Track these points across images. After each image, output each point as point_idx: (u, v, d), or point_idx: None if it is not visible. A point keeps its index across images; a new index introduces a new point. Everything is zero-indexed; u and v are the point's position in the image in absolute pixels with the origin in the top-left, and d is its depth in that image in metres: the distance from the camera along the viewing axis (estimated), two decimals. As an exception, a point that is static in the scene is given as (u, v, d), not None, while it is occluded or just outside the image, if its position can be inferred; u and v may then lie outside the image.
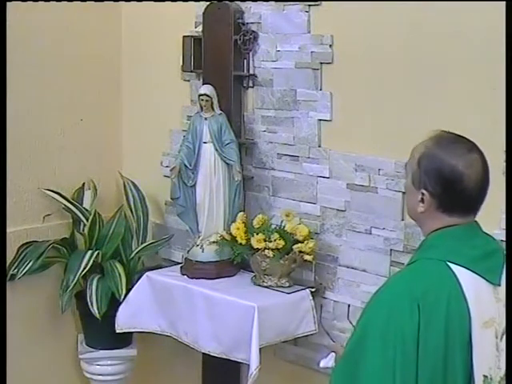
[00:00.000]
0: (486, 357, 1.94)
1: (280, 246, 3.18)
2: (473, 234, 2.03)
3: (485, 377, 1.93)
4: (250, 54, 3.43)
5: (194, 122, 3.39)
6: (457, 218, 2.00)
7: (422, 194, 1.99)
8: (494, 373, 1.96)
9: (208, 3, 3.46)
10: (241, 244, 3.27)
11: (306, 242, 3.19)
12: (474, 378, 1.91)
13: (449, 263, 1.94)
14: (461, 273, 1.93)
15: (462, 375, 1.91)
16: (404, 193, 2.86)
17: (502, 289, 1.99)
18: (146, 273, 3.48)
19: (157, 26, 3.79)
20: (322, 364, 2.47)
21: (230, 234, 3.31)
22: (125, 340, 3.72)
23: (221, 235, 3.36)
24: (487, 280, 1.96)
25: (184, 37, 3.59)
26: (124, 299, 3.48)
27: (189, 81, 3.69)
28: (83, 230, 3.67)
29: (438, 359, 1.87)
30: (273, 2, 3.33)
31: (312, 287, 3.26)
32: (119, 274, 3.54)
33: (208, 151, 3.36)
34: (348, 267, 3.20)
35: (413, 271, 2.00)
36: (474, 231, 2.04)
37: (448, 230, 2.00)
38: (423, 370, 1.87)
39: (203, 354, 3.34)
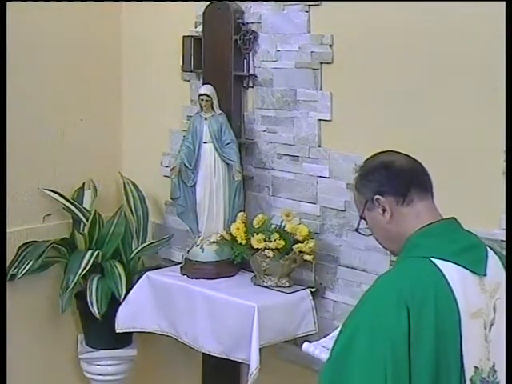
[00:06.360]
0: (476, 348, 1.94)
1: (280, 246, 3.18)
2: (453, 230, 2.05)
3: (475, 368, 1.94)
4: (250, 54, 3.43)
5: (194, 122, 3.39)
6: (419, 203, 2.03)
7: (377, 201, 2.05)
8: (484, 364, 1.96)
9: (208, 3, 3.46)
10: (241, 244, 3.27)
11: (305, 242, 3.19)
12: (464, 370, 1.91)
13: (432, 259, 1.95)
14: (445, 267, 1.94)
15: (456, 369, 1.91)
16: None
17: (488, 279, 1.99)
18: (146, 273, 3.48)
19: (157, 25, 3.79)
20: (304, 346, 2.49)
21: (230, 233, 3.31)
22: (125, 340, 3.72)
23: (221, 235, 3.36)
24: (472, 271, 1.97)
25: (184, 37, 3.59)
26: (124, 299, 3.48)
27: (189, 81, 3.69)
28: (83, 230, 3.67)
29: (431, 356, 1.87)
30: (273, 2, 3.33)
31: (312, 287, 3.26)
32: (119, 274, 3.55)
33: (208, 151, 3.36)
34: (348, 267, 3.20)
35: (398, 271, 2.02)
36: (454, 227, 2.06)
37: (429, 228, 2.02)
38: (416, 369, 1.86)
39: (203, 354, 3.34)
